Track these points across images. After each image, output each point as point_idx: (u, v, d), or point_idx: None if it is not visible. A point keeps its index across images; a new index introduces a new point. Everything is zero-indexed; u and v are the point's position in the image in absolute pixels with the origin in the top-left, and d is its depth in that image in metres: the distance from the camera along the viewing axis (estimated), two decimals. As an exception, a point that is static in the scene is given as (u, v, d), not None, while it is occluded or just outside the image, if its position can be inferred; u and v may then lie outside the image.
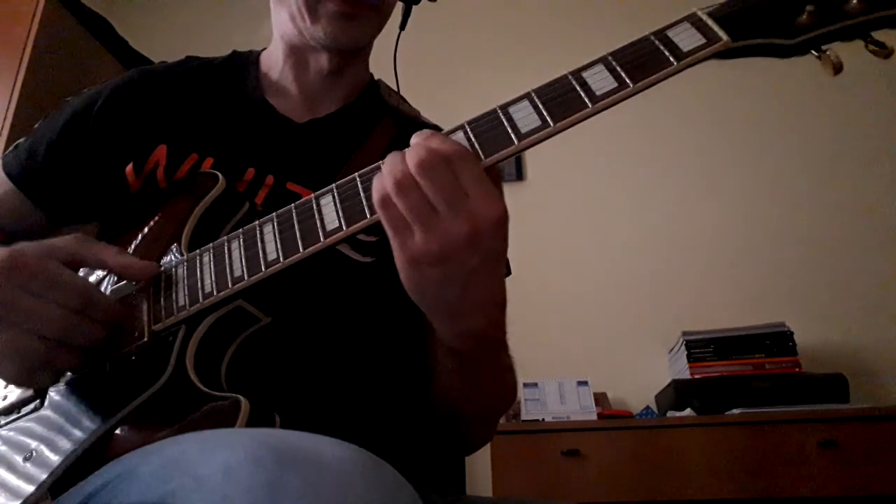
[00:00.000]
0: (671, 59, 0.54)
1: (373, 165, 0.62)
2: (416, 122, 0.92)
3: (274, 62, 0.90)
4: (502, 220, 0.53)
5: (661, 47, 0.55)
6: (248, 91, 0.89)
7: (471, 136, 0.58)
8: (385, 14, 0.86)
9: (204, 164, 0.81)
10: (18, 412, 0.67)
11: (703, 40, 0.55)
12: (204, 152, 0.82)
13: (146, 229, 0.76)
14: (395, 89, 0.96)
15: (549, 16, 2.89)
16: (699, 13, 0.56)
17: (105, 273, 0.74)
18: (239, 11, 2.75)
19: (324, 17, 0.80)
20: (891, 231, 2.37)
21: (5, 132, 1.80)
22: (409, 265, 0.55)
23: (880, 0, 0.53)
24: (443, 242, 0.52)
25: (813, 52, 0.56)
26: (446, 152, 0.53)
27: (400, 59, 0.98)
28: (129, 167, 0.82)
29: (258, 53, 0.94)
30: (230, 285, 0.63)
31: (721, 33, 0.54)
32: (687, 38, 0.55)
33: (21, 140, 0.88)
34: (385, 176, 0.53)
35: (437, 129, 0.92)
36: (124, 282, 0.71)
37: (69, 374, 0.67)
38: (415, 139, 0.55)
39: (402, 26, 0.94)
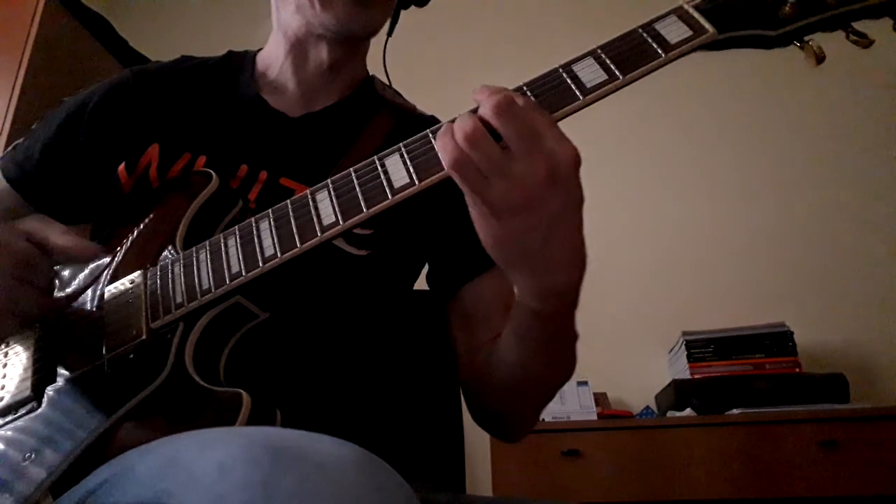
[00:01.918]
0: (659, 51, 0.56)
1: (368, 160, 0.62)
2: (413, 115, 0.93)
3: (273, 59, 0.90)
4: (578, 162, 0.53)
5: (650, 40, 0.56)
6: (242, 89, 0.89)
7: None
8: (392, 3, 0.86)
9: (197, 163, 0.81)
10: (15, 413, 0.67)
11: (690, 32, 0.56)
12: (197, 151, 0.82)
13: (140, 228, 0.77)
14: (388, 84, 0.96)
15: (542, 14, 2.89)
16: (685, 6, 0.57)
17: (98, 274, 0.74)
18: (238, 12, 2.75)
19: (337, 4, 0.80)
20: (891, 231, 2.37)
21: (5, 132, 1.80)
22: (490, 219, 0.54)
23: (860, -9, 0.55)
24: (523, 187, 0.51)
25: (795, 42, 0.57)
26: (519, 98, 0.53)
27: (393, 60, 0.98)
28: (122, 167, 0.82)
29: (254, 53, 0.94)
30: (228, 281, 0.64)
31: (707, 25, 0.56)
32: (674, 31, 0.56)
33: (19, 141, 0.89)
34: (456, 131, 0.52)
35: (434, 121, 0.93)
36: (119, 282, 0.71)
37: (68, 372, 0.67)
38: (482, 90, 0.54)
39: (390, 33, 0.95)
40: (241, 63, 0.93)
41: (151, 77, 0.89)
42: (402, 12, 0.95)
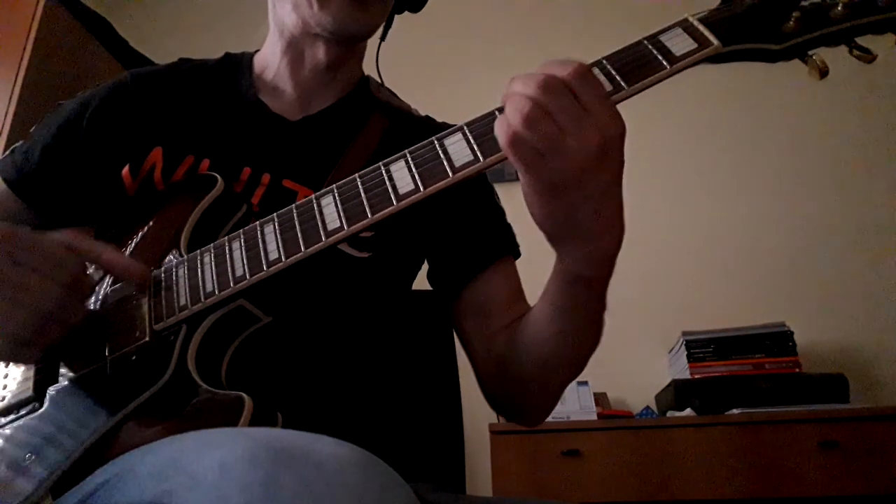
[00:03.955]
0: (664, 62, 0.56)
1: (373, 166, 0.63)
2: (407, 116, 0.93)
3: (270, 61, 0.90)
4: (624, 132, 0.54)
5: (655, 51, 0.57)
6: (242, 91, 0.89)
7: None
8: (389, 4, 0.87)
9: (201, 166, 0.81)
10: (17, 413, 0.67)
11: (695, 45, 0.56)
12: (200, 154, 0.82)
13: (145, 231, 0.77)
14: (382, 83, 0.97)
15: (546, 17, 2.89)
16: (691, 19, 0.58)
17: (102, 275, 0.74)
18: (238, 12, 2.75)
19: (334, 4, 0.80)
20: (890, 231, 2.37)
21: (5, 132, 1.79)
22: (545, 194, 0.55)
23: (863, 7, 0.55)
24: (577, 161, 0.52)
25: (799, 57, 0.58)
26: (563, 73, 0.53)
27: (390, 60, 0.98)
28: (126, 170, 0.82)
29: (251, 55, 0.94)
30: (232, 285, 0.64)
31: (712, 38, 0.56)
32: (679, 43, 0.56)
33: (17, 144, 0.88)
34: (512, 114, 0.53)
35: (429, 121, 0.94)
36: (123, 283, 0.71)
37: (70, 373, 0.67)
38: (520, 77, 0.55)
39: (383, 37, 0.96)
40: (238, 65, 0.93)
41: (150, 79, 0.89)
42: (398, 16, 0.96)
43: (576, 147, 0.52)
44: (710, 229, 2.51)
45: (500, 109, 0.58)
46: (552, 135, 0.52)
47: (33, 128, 0.89)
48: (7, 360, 0.71)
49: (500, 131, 0.53)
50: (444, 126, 0.93)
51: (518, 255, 0.91)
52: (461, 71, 2.80)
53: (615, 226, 0.58)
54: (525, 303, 0.86)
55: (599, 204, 0.55)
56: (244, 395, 0.57)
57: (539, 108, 0.52)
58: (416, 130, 0.83)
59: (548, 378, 0.78)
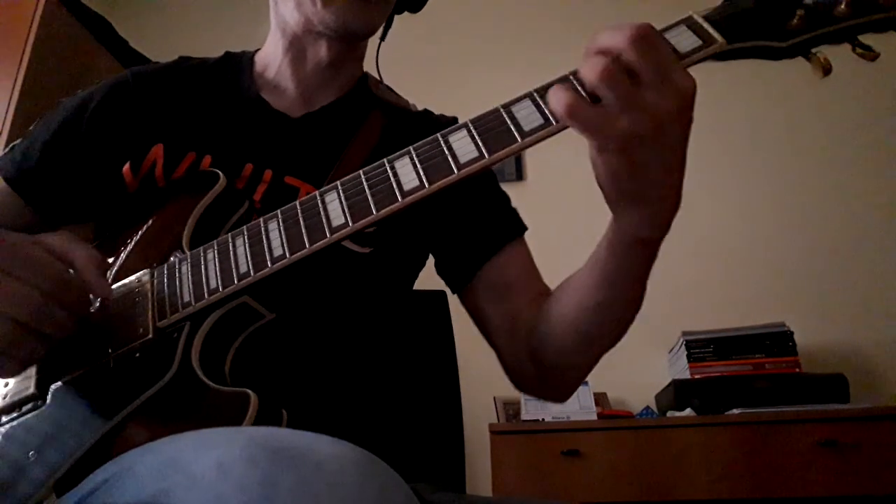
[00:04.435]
0: None
1: (377, 162, 0.63)
2: (405, 112, 0.94)
3: (271, 59, 0.90)
4: (696, 91, 0.54)
5: None
6: (243, 89, 0.89)
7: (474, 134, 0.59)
8: (391, 3, 0.87)
9: (203, 163, 0.81)
10: (19, 410, 0.67)
11: (700, 42, 0.56)
12: (202, 150, 0.82)
13: (146, 228, 0.77)
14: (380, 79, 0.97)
15: (546, 17, 2.89)
16: (695, 16, 0.57)
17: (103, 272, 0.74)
18: (238, 12, 2.75)
19: (338, 1, 0.80)
20: (891, 231, 2.38)
21: (5, 132, 1.79)
22: (616, 153, 0.54)
23: (867, 5, 0.55)
24: (653, 116, 0.52)
25: (803, 55, 0.58)
26: (646, 28, 0.52)
27: (390, 59, 0.98)
28: (126, 167, 0.82)
29: (252, 54, 0.94)
30: (236, 281, 0.64)
31: (717, 35, 0.56)
32: (684, 40, 0.56)
33: (17, 142, 0.88)
34: (589, 72, 0.51)
35: (426, 115, 0.94)
36: (126, 281, 0.71)
37: (72, 370, 0.67)
38: (606, 31, 0.54)
39: (383, 38, 0.96)
40: (239, 63, 0.93)
41: (151, 77, 0.89)
42: (397, 16, 0.96)
43: (653, 101, 0.51)
44: (710, 229, 2.50)
45: (504, 106, 0.59)
46: (629, 90, 0.51)
47: (33, 125, 0.89)
48: None
49: (564, 97, 0.51)
50: (442, 118, 0.94)
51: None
52: (461, 71, 2.80)
53: (677, 185, 0.59)
54: (541, 279, 0.86)
55: (667, 163, 0.56)
56: (250, 392, 0.57)
57: (624, 61, 0.51)
58: (414, 125, 0.82)
59: (588, 349, 0.77)
